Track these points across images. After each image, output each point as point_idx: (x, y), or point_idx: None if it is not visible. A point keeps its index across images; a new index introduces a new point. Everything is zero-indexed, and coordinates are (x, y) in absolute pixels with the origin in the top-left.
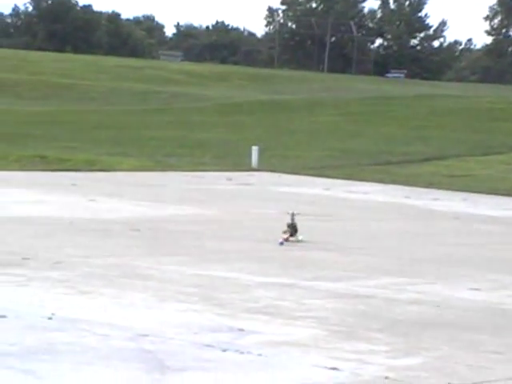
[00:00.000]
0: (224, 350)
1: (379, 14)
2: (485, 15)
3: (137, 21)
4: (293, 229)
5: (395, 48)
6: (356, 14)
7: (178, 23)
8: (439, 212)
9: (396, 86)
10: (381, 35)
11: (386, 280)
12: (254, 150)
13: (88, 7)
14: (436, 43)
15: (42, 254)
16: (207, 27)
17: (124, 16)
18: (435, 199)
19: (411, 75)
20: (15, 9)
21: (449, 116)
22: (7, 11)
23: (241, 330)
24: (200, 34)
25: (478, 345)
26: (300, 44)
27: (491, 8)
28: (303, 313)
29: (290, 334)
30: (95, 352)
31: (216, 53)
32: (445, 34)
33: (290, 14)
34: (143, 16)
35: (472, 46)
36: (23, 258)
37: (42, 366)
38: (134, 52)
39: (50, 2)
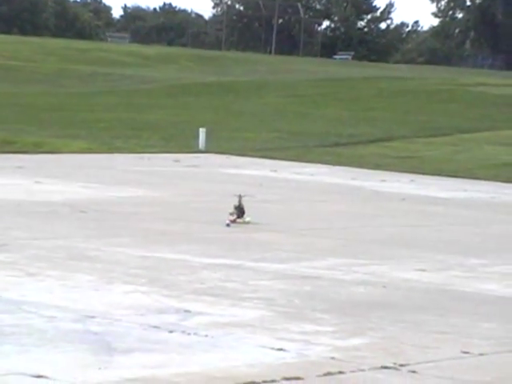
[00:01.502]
0: (171, 332)
1: None
2: None
3: (84, 3)
4: (240, 211)
5: (342, 30)
6: None
7: (125, 5)
8: (386, 193)
9: (343, 67)
10: (328, 17)
11: (332, 261)
12: (202, 131)
13: None
14: (383, 25)
15: None
16: (154, 9)
17: None
18: (382, 181)
19: (358, 57)
20: None
21: (396, 98)
22: None
23: (187, 311)
24: (147, 16)
25: (423, 325)
26: (247, 26)
27: None
28: (250, 294)
29: (236, 315)
30: (41, 334)
31: (163, 35)
32: (392, 15)
33: None
34: None
35: (419, 28)
36: None
37: None
38: (82, 34)
39: None
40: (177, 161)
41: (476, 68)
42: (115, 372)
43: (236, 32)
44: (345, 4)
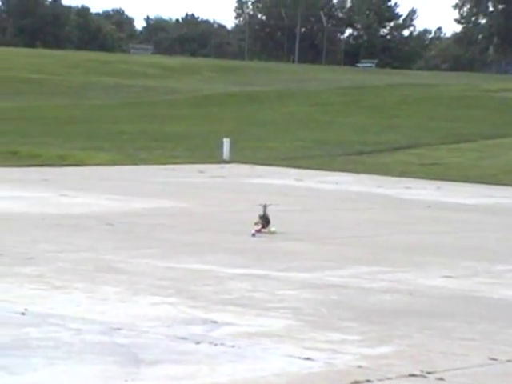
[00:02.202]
0: (198, 343)
1: (349, 4)
2: (454, 3)
3: (106, 15)
4: (265, 220)
5: (365, 38)
6: (326, 5)
7: (148, 16)
8: (411, 200)
9: (367, 75)
10: (351, 25)
11: (358, 269)
12: (226, 141)
13: (57, 2)
14: (406, 32)
15: (14, 249)
16: (177, 20)
17: (93, 10)
18: (407, 188)
19: (382, 65)
20: None
21: (420, 105)
22: None
23: (214, 322)
24: (170, 27)
25: (450, 332)
26: (270, 35)
27: None
28: (276, 304)
29: (263, 325)
30: (68, 347)
31: (186, 45)
32: (414, 22)
33: (260, 5)
34: (112, 10)
35: (442, 35)
36: None
37: (15, 361)
38: (104, 46)
39: None
40: (201, 171)
41: (500, 74)
42: None
43: (259, 42)
44: (367, 12)
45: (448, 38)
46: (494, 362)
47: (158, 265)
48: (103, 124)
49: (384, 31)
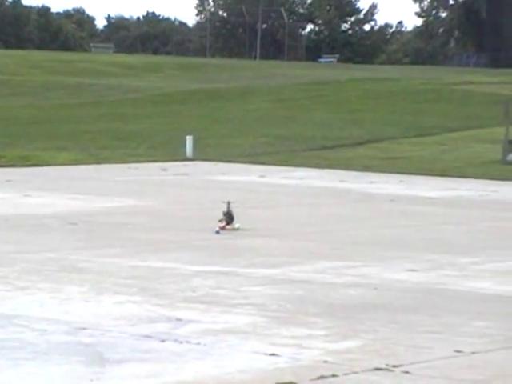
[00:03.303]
0: (163, 341)
1: (309, 0)
2: None
3: (67, 14)
4: (229, 217)
5: (326, 33)
6: (286, 0)
7: (109, 15)
8: (375, 195)
9: (328, 70)
10: (312, 21)
11: (323, 264)
12: (189, 139)
13: (17, 2)
14: (367, 27)
15: None
16: (138, 18)
17: (54, 10)
18: (371, 182)
19: (343, 60)
20: None
21: (382, 99)
22: None
23: (179, 319)
24: (131, 26)
25: (415, 325)
26: (231, 32)
27: None
28: (241, 300)
29: (228, 321)
30: (33, 347)
31: (148, 44)
32: (375, 17)
33: (221, 2)
34: (73, 9)
35: (403, 29)
36: None
37: None
38: (66, 45)
39: None
40: (165, 169)
41: (461, 67)
42: (108, 383)
43: (220, 39)
44: (328, 7)
45: (409, 32)
46: (459, 354)
47: (121, 264)
48: (65, 124)
49: (345, 26)
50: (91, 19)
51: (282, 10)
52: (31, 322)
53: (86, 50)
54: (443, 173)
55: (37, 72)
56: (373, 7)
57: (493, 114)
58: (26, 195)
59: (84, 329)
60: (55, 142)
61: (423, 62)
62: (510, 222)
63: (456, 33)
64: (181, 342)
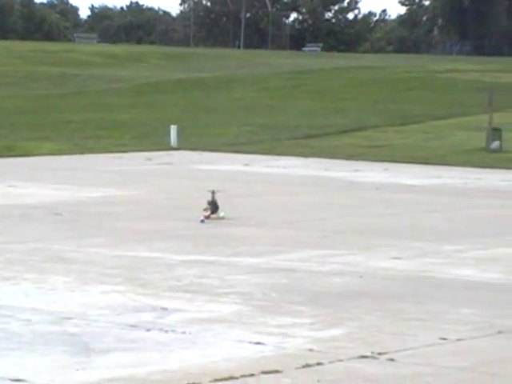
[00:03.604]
0: (148, 330)
1: None
2: None
3: (51, 4)
4: (214, 206)
5: (310, 22)
6: None
7: (93, 5)
8: (360, 183)
9: (312, 59)
10: (295, 9)
11: (308, 253)
12: (173, 128)
13: None
14: (351, 15)
15: None
16: (122, 8)
17: (37, 0)
18: (356, 170)
19: (327, 48)
20: None
21: (366, 87)
22: None
23: (164, 308)
24: (115, 15)
25: (400, 313)
26: (215, 21)
27: None
28: (226, 289)
29: (213, 310)
30: (19, 337)
31: (132, 33)
32: (359, 5)
33: None
34: None
35: (386, 17)
36: None
37: None
38: (49, 36)
39: None
40: (149, 159)
41: (445, 55)
42: (93, 373)
43: (204, 28)
44: None
45: (393, 20)
46: (444, 341)
47: (106, 253)
48: (49, 114)
49: (329, 15)
50: (75, 9)
51: None
52: (16, 312)
53: (69, 40)
54: (427, 161)
55: (20, 62)
56: None
57: (476, 102)
58: (10, 186)
59: (69, 319)
60: (39, 132)
61: (407, 51)
62: (494, 210)
63: (439, 21)
64: (166, 331)
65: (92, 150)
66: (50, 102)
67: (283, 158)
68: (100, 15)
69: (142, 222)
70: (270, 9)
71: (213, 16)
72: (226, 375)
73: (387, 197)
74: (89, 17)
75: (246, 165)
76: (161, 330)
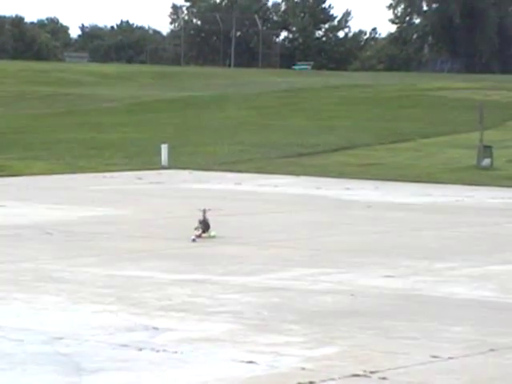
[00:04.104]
0: (140, 349)
1: (283, 7)
2: (388, 4)
3: (41, 24)
4: (205, 225)
5: (301, 40)
6: (260, 8)
7: (83, 24)
8: (351, 201)
9: (303, 77)
10: (286, 28)
11: (299, 271)
12: (164, 147)
13: None
14: (341, 34)
15: None
16: (112, 27)
17: (28, 19)
18: (347, 189)
19: (318, 66)
20: None
21: (356, 105)
22: None
23: (156, 328)
24: (105, 35)
25: (392, 331)
26: (206, 40)
27: None
28: (218, 308)
29: (205, 329)
30: (10, 358)
31: (122, 52)
32: (349, 24)
33: (195, 10)
34: (47, 19)
35: (377, 35)
36: None
37: None
38: (40, 55)
39: None
40: (140, 178)
41: (435, 72)
42: None
43: (194, 47)
44: (302, 14)
45: (383, 39)
46: (436, 359)
47: (98, 273)
48: (40, 134)
49: (319, 33)
50: (65, 28)
51: (256, 17)
52: (7, 332)
53: (60, 60)
54: (418, 179)
55: (11, 82)
56: (347, 14)
57: (467, 120)
58: (1, 205)
59: (61, 338)
60: (30, 151)
61: (397, 69)
62: (485, 227)
63: (430, 39)
64: (158, 351)
65: (83, 169)
66: (41, 121)
67: (274, 176)
68: (90, 34)
69: (133, 242)
70: (260, 27)
71: (203, 35)
72: None
73: (378, 215)
74: (79, 36)
75: (237, 183)
76: (152, 349)
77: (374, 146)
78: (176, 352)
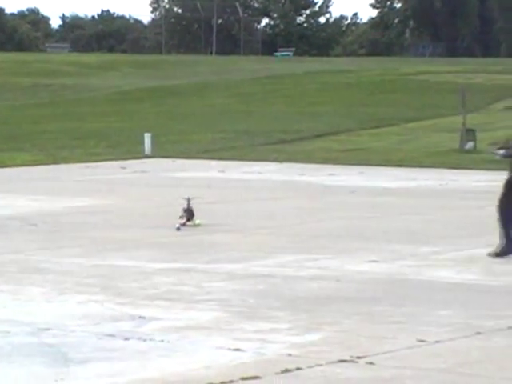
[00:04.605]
0: (126, 339)
1: None
2: None
3: (21, 15)
4: (189, 213)
5: (282, 26)
6: None
7: (64, 14)
8: (335, 187)
9: (285, 64)
10: (267, 14)
11: (284, 258)
12: (147, 136)
13: None
14: (322, 19)
15: None
16: (93, 17)
17: (8, 10)
18: (331, 174)
19: (300, 53)
20: None
21: (339, 91)
22: None
23: (142, 317)
24: (86, 25)
25: (378, 316)
26: (187, 28)
27: None
28: (204, 296)
29: (191, 318)
30: None
31: (103, 42)
32: (330, 9)
33: None
34: (27, 9)
35: (358, 20)
36: None
37: None
38: (21, 46)
39: None
40: (123, 167)
41: (417, 57)
42: (72, 383)
43: (176, 35)
44: (283, 0)
45: (364, 24)
46: (423, 343)
47: (83, 263)
48: (23, 124)
49: (300, 19)
50: (46, 19)
51: (237, 4)
52: None
53: (41, 50)
54: (402, 163)
55: None
56: (327, 0)
57: (450, 104)
58: None
59: (47, 329)
60: (13, 143)
61: (379, 53)
62: (469, 211)
63: (411, 23)
64: (144, 340)
65: (66, 159)
66: (24, 112)
67: (258, 163)
68: (71, 24)
69: (118, 231)
70: (241, 15)
71: (184, 23)
72: (205, 382)
73: (363, 200)
74: (60, 26)
75: (221, 171)
76: (139, 338)
77: (358, 132)
78: (163, 341)
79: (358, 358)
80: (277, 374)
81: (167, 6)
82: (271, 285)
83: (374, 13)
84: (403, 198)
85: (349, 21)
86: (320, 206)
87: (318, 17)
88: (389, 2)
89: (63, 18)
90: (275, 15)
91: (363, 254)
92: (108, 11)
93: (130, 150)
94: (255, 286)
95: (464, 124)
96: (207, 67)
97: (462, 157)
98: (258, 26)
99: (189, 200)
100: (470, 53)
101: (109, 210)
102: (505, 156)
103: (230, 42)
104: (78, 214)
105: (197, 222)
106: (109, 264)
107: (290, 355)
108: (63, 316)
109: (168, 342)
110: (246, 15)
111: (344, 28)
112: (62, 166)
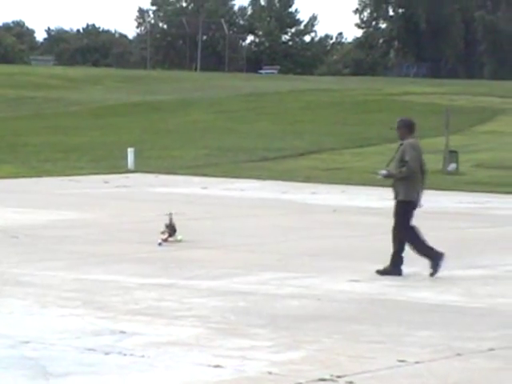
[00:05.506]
0: (106, 353)
1: (250, 11)
2: (354, 8)
3: (7, 27)
4: (171, 229)
5: (267, 44)
6: (226, 12)
7: (49, 28)
8: (317, 205)
9: (269, 82)
10: (252, 32)
11: (266, 276)
12: (130, 151)
13: None
14: (307, 38)
15: None
16: (78, 31)
17: None
18: (313, 193)
19: (284, 71)
20: None
21: (323, 110)
22: None
23: (123, 332)
24: (71, 38)
25: (359, 335)
26: (172, 44)
27: (360, 1)
28: (184, 312)
29: (172, 334)
30: None
31: (88, 56)
32: (316, 28)
33: (161, 14)
34: (13, 22)
35: (343, 40)
36: None
37: None
38: (5, 58)
39: None
40: (106, 182)
41: (401, 77)
42: None
43: (161, 51)
44: (268, 18)
45: (349, 43)
46: (403, 363)
47: (64, 277)
48: (6, 137)
49: (285, 37)
50: (31, 32)
51: (223, 21)
52: None
53: (25, 63)
54: (384, 183)
55: None
56: (313, 18)
57: (433, 125)
58: None
59: (27, 342)
60: None
61: (364, 73)
62: (451, 232)
63: (396, 44)
64: (125, 355)
65: (49, 172)
66: (7, 124)
67: (240, 180)
68: (56, 38)
69: (100, 245)
70: (226, 32)
71: (169, 39)
72: None
73: (344, 219)
74: (45, 39)
75: (204, 188)
76: (119, 353)
77: (340, 151)
78: (143, 356)
79: (338, 377)
80: None
81: (153, 22)
82: (252, 302)
83: (359, 33)
84: (384, 218)
85: (334, 40)
86: (302, 224)
87: (303, 35)
88: (374, 22)
89: (48, 31)
90: (260, 33)
91: (344, 273)
92: (93, 25)
93: (113, 165)
94: (236, 302)
95: (447, 145)
96: (192, 83)
97: (445, 178)
98: (243, 44)
99: (171, 215)
100: (453, 74)
101: (91, 224)
102: (385, 176)
103: (215, 59)
104: (59, 227)
105: (179, 237)
106: (90, 278)
107: (270, 373)
108: (44, 329)
109: (148, 357)
110: (231, 32)
111: (329, 47)
112: (45, 179)
